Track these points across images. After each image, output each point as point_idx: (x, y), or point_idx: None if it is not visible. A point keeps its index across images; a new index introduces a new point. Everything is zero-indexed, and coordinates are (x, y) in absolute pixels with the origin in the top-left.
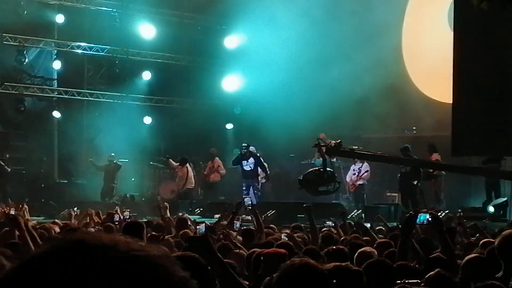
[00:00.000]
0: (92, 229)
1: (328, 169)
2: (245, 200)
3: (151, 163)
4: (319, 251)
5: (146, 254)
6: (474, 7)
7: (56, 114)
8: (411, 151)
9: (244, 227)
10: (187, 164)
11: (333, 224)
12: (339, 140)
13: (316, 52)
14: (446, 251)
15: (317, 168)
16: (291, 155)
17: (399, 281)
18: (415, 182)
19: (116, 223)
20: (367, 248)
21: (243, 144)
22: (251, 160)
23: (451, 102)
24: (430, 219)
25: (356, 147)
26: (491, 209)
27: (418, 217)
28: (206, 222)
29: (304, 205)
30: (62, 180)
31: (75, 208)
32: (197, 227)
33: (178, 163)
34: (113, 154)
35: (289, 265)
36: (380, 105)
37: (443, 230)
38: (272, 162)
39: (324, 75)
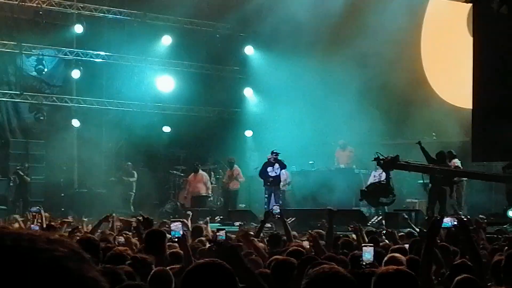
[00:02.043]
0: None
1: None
2: (273, 208)
3: (170, 171)
4: (336, 257)
5: (51, 251)
6: (494, 12)
7: (76, 123)
8: (447, 156)
9: (269, 233)
10: (199, 172)
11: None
12: (396, 154)
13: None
14: (473, 257)
15: (378, 181)
16: (310, 162)
17: None
18: (447, 188)
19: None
20: (396, 255)
21: (273, 151)
22: (277, 165)
23: (470, 107)
24: (456, 224)
25: (412, 160)
26: (511, 214)
27: (444, 222)
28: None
29: (329, 208)
30: (81, 189)
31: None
32: (217, 233)
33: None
34: (129, 163)
35: (318, 271)
36: (399, 111)
37: (470, 235)
38: (291, 169)
39: (343, 77)
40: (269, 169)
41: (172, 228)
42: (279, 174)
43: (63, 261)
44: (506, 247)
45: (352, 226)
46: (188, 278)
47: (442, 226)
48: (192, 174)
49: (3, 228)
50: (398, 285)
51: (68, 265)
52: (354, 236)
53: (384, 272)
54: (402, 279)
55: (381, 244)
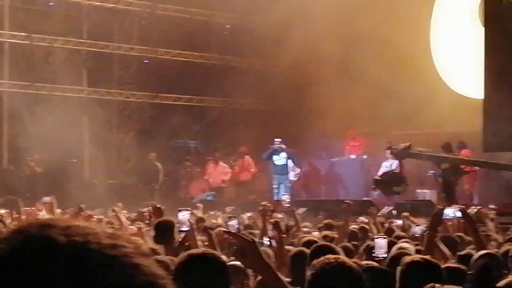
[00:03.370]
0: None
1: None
2: (283, 198)
3: (183, 162)
4: (352, 248)
5: (119, 247)
6: (504, 2)
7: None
8: (453, 147)
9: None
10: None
11: (367, 220)
12: (409, 143)
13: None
14: (478, 246)
15: (391, 170)
16: (320, 153)
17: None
18: (454, 179)
19: (147, 222)
20: (404, 245)
21: (277, 139)
22: (283, 154)
23: (480, 98)
24: (459, 214)
25: (424, 149)
26: None
27: (446, 212)
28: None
29: (345, 204)
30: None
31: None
32: (229, 223)
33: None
34: (153, 153)
35: (324, 262)
36: (406, 101)
37: (475, 225)
38: (301, 160)
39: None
40: (276, 157)
41: (179, 218)
42: (286, 163)
43: (133, 258)
44: None
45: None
46: (181, 269)
47: (445, 217)
48: (212, 164)
49: (48, 221)
50: (424, 273)
51: (139, 262)
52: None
53: (410, 261)
54: (428, 268)
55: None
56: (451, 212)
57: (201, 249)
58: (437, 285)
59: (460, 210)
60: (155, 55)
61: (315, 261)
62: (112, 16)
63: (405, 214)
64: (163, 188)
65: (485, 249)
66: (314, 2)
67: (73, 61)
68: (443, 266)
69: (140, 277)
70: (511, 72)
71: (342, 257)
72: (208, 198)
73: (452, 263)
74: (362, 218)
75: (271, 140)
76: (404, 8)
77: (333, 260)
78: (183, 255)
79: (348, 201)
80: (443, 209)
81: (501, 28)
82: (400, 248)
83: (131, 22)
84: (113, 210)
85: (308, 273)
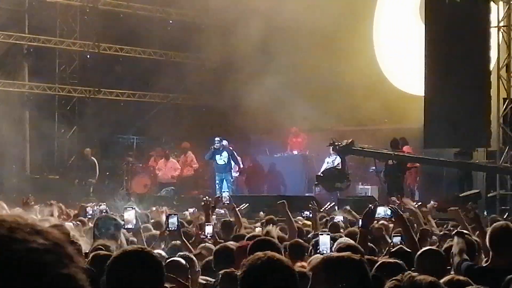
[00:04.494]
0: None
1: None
2: (223, 194)
3: (125, 157)
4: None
5: (28, 242)
6: (446, 0)
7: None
8: (400, 143)
9: (222, 220)
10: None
11: (310, 216)
12: (351, 140)
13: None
14: (410, 243)
15: (334, 166)
16: (265, 149)
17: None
18: (400, 175)
19: (89, 216)
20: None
21: (216, 139)
22: (225, 153)
23: (422, 94)
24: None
25: (366, 146)
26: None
27: (378, 211)
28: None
29: (278, 202)
30: (34, 175)
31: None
32: (169, 220)
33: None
34: (88, 148)
35: (253, 259)
36: (352, 97)
37: (406, 223)
38: (245, 155)
39: (297, 66)
40: (217, 156)
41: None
42: (228, 161)
43: (38, 255)
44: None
45: (311, 206)
46: (113, 265)
47: (377, 215)
48: (163, 160)
49: None
50: (434, 261)
51: (42, 259)
52: (306, 222)
53: (422, 251)
54: (436, 256)
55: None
56: (382, 210)
57: (136, 246)
58: (414, 273)
59: (391, 209)
60: (98, 50)
61: (248, 258)
62: (54, 10)
63: (347, 208)
64: (104, 184)
65: (417, 247)
66: None
67: (14, 55)
68: (379, 261)
69: (59, 269)
70: (450, 70)
71: (272, 252)
72: (163, 193)
73: (388, 259)
74: (306, 213)
75: (214, 137)
76: (347, 4)
77: (262, 256)
78: (117, 251)
79: (282, 201)
80: (375, 208)
81: (442, 26)
82: (341, 243)
83: (74, 17)
84: (50, 204)
85: (240, 272)
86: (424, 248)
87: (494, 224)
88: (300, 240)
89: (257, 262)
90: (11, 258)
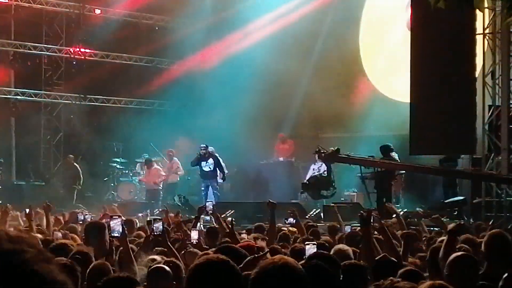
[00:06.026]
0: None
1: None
2: (207, 204)
3: (110, 164)
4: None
5: (19, 253)
6: (432, 7)
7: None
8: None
9: (207, 227)
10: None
11: (294, 222)
12: (337, 147)
13: (274, 48)
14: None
15: (320, 173)
16: (250, 155)
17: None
18: (389, 182)
19: (80, 222)
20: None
21: (202, 145)
22: (210, 160)
23: (408, 101)
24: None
25: (352, 153)
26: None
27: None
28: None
29: (269, 201)
30: (19, 182)
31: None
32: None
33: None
34: (71, 155)
35: (267, 262)
36: (337, 104)
37: (369, 230)
38: (230, 162)
39: (282, 73)
40: (203, 163)
41: (111, 226)
42: (214, 168)
43: (33, 265)
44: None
45: (290, 212)
46: (195, 274)
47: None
48: (145, 166)
49: None
50: (468, 267)
51: (38, 269)
52: (291, 228)
53: (455, 256)
54: (470, 262)
55: (322, 238)
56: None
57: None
58: (394, 279)
59: (359, 216)
60: (84, 57)
61: (261, 261)
62: (41, 17)
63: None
64: (90, 190)
65: (373, 254)
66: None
67: (0, 61)
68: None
69: (37, 283)
70: (436, 77)
71: (286, 257)
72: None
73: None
74: (290, 220)
75: (199, 144)
76: (335, 10)
77: (277, 260)
78: (200, 259)
79: (271, 200)
80: (370, 214)
81: (428, 33)
82: (339, 249)
83: (59, 23)
84: (30, 212)
85: (252, 273)
86: (455, 254)
87: (490, 232)
88: (277, 247)
89: (271, 265)
90: (8, 274)
